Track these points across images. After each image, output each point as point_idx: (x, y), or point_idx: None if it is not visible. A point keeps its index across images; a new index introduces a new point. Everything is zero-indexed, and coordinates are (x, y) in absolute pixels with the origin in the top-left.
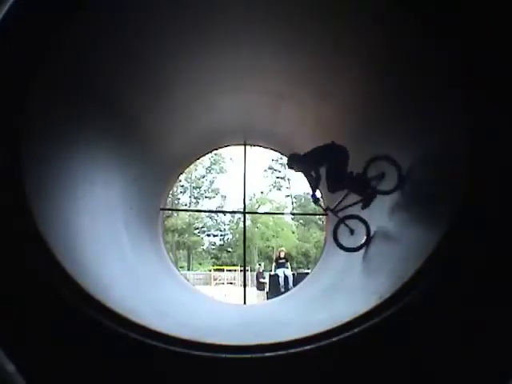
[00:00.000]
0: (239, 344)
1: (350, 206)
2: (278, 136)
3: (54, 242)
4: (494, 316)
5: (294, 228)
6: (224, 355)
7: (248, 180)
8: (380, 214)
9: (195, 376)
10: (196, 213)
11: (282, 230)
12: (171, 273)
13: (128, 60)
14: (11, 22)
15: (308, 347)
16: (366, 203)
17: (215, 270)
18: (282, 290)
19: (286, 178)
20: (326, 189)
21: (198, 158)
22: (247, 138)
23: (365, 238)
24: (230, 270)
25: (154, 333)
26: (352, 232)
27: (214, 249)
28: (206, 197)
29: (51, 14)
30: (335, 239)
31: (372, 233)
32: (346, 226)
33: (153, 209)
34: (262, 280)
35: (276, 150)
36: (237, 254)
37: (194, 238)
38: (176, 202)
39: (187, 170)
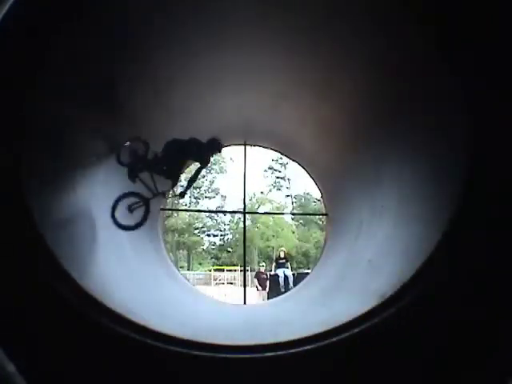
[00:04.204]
0: (239, 344)
1: None
2: (278, 136)
3: (54, 242)
4: (493, 316)
5: (294, 228)
6: (224, 355)
7: (248, 180)
8: (380, 215)
9: (195, 376)
10: (196, 213)
11: (282, 230)
12: (171, 273)
13: (128, 60)
14: (11, 21)
15: (308, 347)
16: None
17: (215, 270)
18: (282, 290)
19: (285, 178)
20: None
21: None
22: (247, 138)
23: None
24: (230, 270)
25: (154, 333)
26: (131, 211)
27: (213, 249)
28: (206, 197)
29: (51, 13)
30: (113, 217)
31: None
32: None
33: (153, 209)
34: (258, 282)
35: (276, 150)
36: (237, 254)
37: (194, 238)
38: (176, 202)
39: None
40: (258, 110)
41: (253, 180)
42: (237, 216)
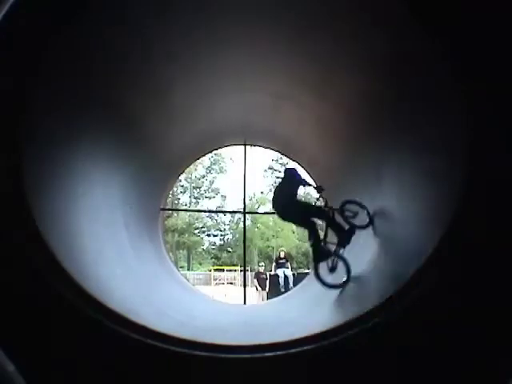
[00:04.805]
0: (239, 344)
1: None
2: (278, 136)
3: (54, 241)
4: (493, 316)
5: (294, 228)
6: (224, 355)
7: (248, 180)
8: (381, 216)
9: (195, 376)
10: (196, 213)
11: (282, 230)
12: (171, 273)
13: (128, 60)
14: (11, 22)
15: (308, 347)
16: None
17: (215, 270)
18: (282, 290)
19: None
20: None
21: (198, 158)
22: (247, 138)
23: (345, 275)
24: (230, 270)
25: (154, 333)
26: (333, 269)
27: (214, 249)
28: (206, 197)
29: (51, 13)
30: (317, 276)
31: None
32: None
33: (153, 209)
34: (258, 282)
35: (276, 150)
36: (237, 254)
37: (194, 238)
38: (176, 202)
39: (187, 170)
40: (258, 110)
41: (253, 180)
42: (237, 216)
